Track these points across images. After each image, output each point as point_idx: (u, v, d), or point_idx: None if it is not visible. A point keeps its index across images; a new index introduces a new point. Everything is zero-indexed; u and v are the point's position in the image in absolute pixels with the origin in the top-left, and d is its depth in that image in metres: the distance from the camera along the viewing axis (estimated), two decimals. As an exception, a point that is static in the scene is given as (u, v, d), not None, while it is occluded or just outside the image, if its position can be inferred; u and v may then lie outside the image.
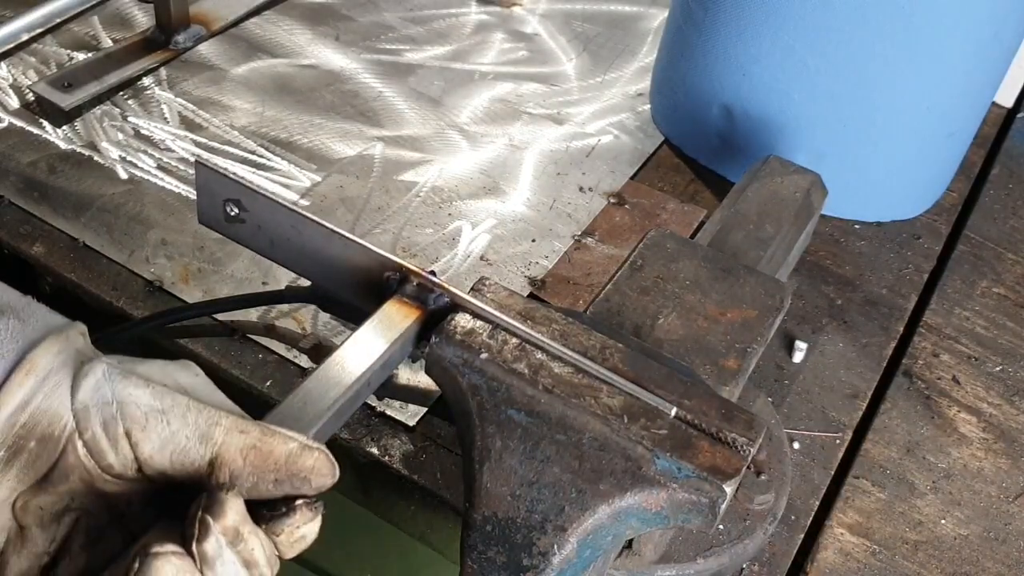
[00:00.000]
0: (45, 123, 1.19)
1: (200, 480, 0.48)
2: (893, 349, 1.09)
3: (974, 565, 0.90)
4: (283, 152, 1.20)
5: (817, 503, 0.94)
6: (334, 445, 0.91)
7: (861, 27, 1.04)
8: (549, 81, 1.37)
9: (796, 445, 0.98)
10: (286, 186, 1.16)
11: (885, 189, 1.20)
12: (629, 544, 0.75)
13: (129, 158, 1.16)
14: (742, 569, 0.88)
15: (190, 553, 0.45)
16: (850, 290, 1.14)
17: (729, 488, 0.58)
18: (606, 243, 1.14)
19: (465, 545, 0.64)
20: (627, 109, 1.34)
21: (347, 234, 0.67)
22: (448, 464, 0.91)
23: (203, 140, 1.19)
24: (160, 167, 1.15)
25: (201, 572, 0.45)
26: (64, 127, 1.19)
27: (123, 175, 1.14)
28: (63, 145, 1.17)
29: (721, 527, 0.82)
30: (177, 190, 1.13)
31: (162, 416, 0.48)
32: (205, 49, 1.33)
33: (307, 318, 1.00)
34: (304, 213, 0.67)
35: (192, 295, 1.02)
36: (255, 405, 0.97)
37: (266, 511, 0.48)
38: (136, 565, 0.44)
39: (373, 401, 0.93)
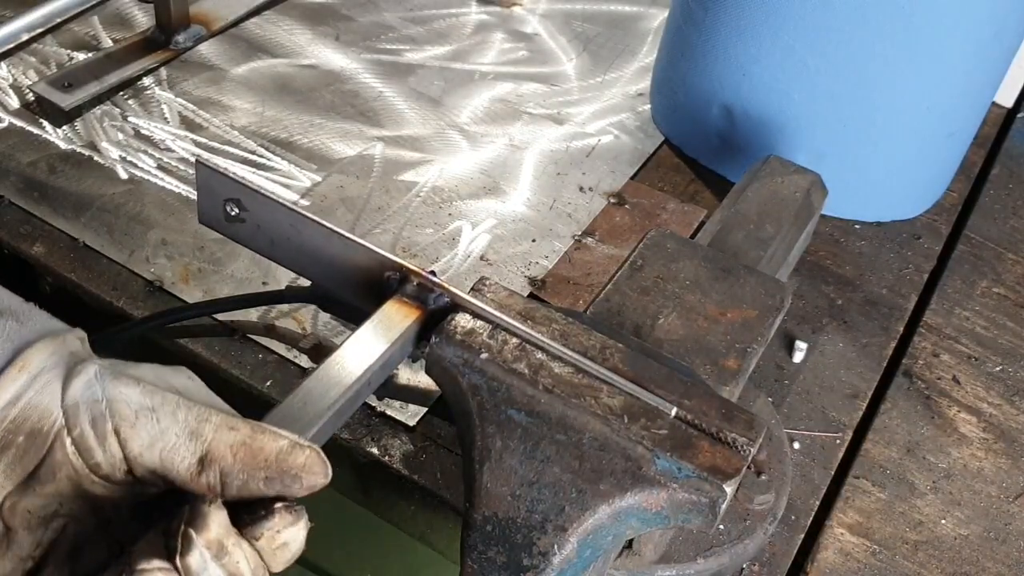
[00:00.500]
0: (45, 123, 1.19)
1: (189, 480, 0.48)
2: (893, 349, 1.09)
3: (974, 565, 0.90)
4: (283, 152, 1.20)
5: (817, 503, 0.94)
6: (334, 445, 0.92)
7: (861, 27, 1.04)
8: (549, 81, 1.37)
9: (796, 445, 0.98)
10: (286, 186, 1.16)
11: (885, 189, 1.20)
12: (629, 544, 0.75)
13: (129, 158, 1.16)
14: (742, 569, 0.88)
15: (175, 567, 0.44)
16: (850, 290, 1.14)
17: (729, 488, 0.58)
18: (606, 243, 1.14)
19: (465, 545, 0.64)
20: (627, 109, 1.34)
21: (347, 234, 0.67)
22: (448, 464, 0.91)
23: (203, 140, 1.19)
24: (160, 167, 1.15)
25: None
26: (64, 127, 1.19)
27: (123, 175, 1.14)
28: (63, 145, 1.17)
29: (721, 527, 0.82)
30: (177, 190, 1.13)
31: (152, 414, 0.48)
32: (205, 49, 1.33)
33: (307, 318, 1.00)
34: (304, 213, 0.67)
35: (192, 295, 1.02)
36: (255, 405, 0.97)
37: (246, 515, 0.48)
38: None
39: (373, 401, 0.93)
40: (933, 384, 1.05)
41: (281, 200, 0.68)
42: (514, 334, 0.64)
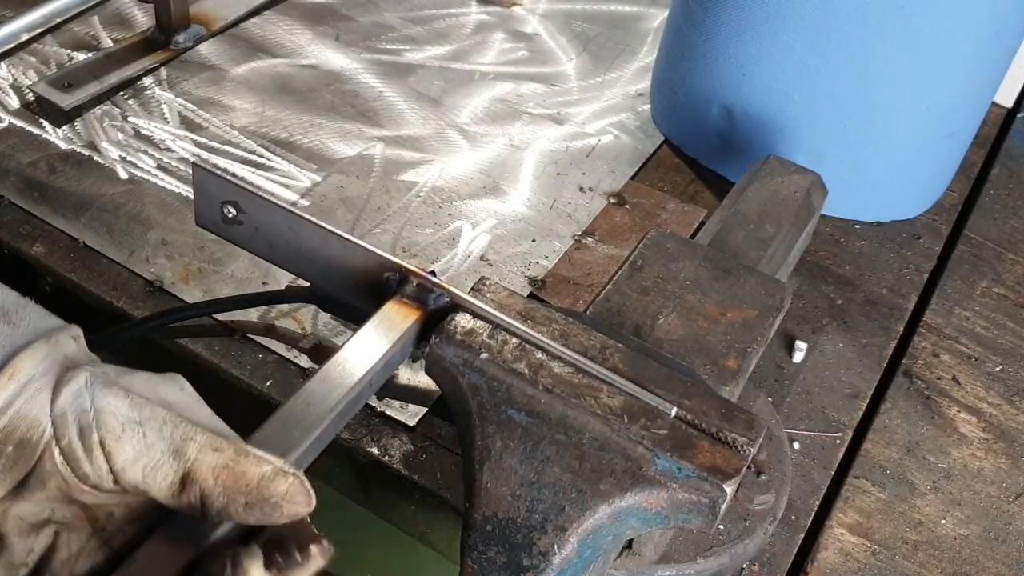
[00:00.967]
0: (45, 123, 1.19)
1: (170, 499, 0.48)
2: (893, 349, 1.09)
3: (974, 565, 0.90)
4: (283, 152, 1.20)
5: (817, 503, 0.94)
6: (334, 445, 0.92)
7: (861, 27, 1.04)
8: (549, 81, 1.37)
9: (796, 445, 0.98)
10: (286, 186, 1.16)
11: (885, 189, 1.20)
12: (629, 544, 0.75)
13: (129, 158, 1.16)
14: (742, 569, 0.88)
15: None
16: (850, 290, 1.14)
17: (729, 488, 0.58)
18: (606, 243, 1.14)
19: (465, 545, 0.64)
20: (627, 109, 1.34)
21: (345, 235, 0.67)
22: (448, 464, 0.91)
23: (203, 140, 1.19)
24: (160, 167, 1.15)
25: None
26: (64, 127, 1.19)
27: (123, 175, 1.14)
28: (63, 145, 1.17)
29: (721, 527, 0.82)
30: (177, 190, 1.13)
31: (139, 427, 0.47)
32: (205, 49, 1.33)
33: (307, 318, 1.00)
34: (302, 214, 0.67)
35: (192, 295, 1.02)
36: (255, 405, 0.97)
37: (279, 556, 0.48)
38: None
39: (373, 401, 0.93)
40: (933, 384, 1.05)
41: (279, 202, 0.68)
42: (514, 334, 0.64)
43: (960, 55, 1.08)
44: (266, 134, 1.22)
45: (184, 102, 1.24)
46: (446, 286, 0.65)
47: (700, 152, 1.27)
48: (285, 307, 1.00)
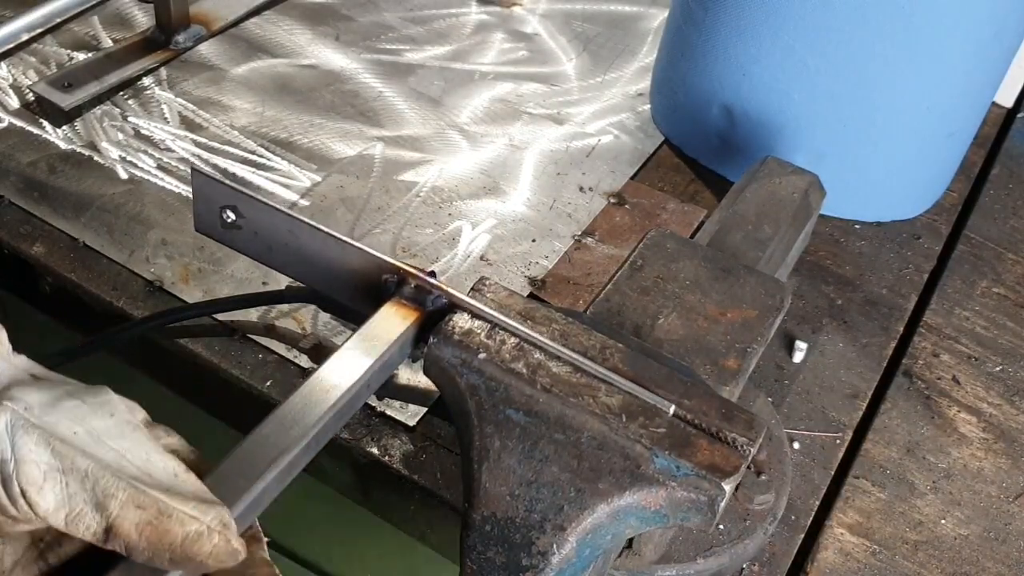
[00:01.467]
0: (45, 123, 1.19)
1: (97, 544, 0.47)
2: (893, 349, 1.09)
3: (974, 565, 0.90)
4: (283, 152, 1.20)
5: (817, 503, 0.94)
6: (334, 445, 0.92)
7: (861, 27, 1.04)
8: (549, 81, 1.37)
9: (796, 445, 0.98)
10: (286, 186, 1.16)
11: (885, 189, 1.20)
12: (629, 544, 0.75)
13: (129, 158, 1.16)
14: (742, 569, 0.88)
15: None
16: (850, 290, 1.14)
17: (728, 486, 0.58)
18: (606, 243, 1.14)
19: (464, 545, 0.64)
20: (627, 109, 1.34)
21: (344, 237, 0.67)
22: (448, 464, 0.91)
23: (203, 140, 1.19)
24: (160, 167, 1.15)
25: None
26: (64, 127, 1.19)
27: (123, 175, 1.14)
28: (63, 145, 1.17)
29: (721, 527, 0.82)
30: (177, 190, 1.13)
31: (60, 476, 0.46)
32: (205, 49, 1.33)
33: (307, 318, 1.00)
34: (301, 217, 0.67)
35: (192, 295, 1.02)
36: (255, 405, 0.97)
37: None
38: None
39: (373, 401, 0.93)
40: (933, 384, 1.05)
41: (277, 205, 0.68)
42: (512, 334, 0.64)
43: (960, 55, 1.08)
44: (266, 134, 1.22)
45: (184, 102, 1.24)
46: (444, 287, 0.65)
47: (700, 152, 1.27)
48: (285, 307, 1.00)
